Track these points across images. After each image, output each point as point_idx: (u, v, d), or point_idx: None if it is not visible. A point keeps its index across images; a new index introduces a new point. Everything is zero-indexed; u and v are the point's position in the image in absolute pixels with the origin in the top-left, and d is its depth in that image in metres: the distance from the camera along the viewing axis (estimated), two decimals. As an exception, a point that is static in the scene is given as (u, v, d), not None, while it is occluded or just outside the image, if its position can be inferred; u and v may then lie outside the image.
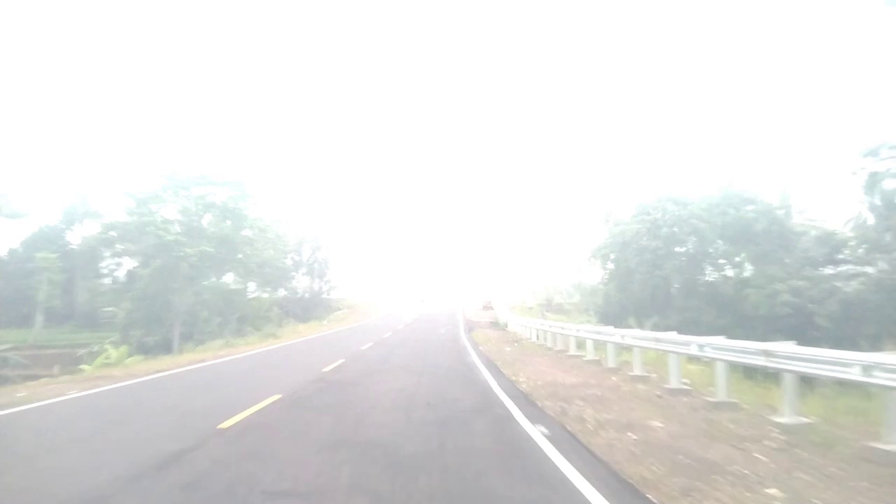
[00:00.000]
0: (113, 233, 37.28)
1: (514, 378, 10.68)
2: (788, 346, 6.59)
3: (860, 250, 22.72)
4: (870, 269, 22.86)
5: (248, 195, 41.45)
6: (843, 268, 23.28)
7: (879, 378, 5.05)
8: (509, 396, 8.57)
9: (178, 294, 34.52)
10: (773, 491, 4.14)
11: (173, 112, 70.26)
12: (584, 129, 72.66)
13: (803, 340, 7.56)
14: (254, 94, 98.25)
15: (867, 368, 5.20)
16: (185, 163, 41.67)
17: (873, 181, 21.65)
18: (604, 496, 3.98)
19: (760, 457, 5.10)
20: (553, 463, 4.89)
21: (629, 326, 20.97)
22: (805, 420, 6.26)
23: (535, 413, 7.27)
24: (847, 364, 5.48)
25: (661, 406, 7.82)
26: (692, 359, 9.41)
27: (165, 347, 30.69)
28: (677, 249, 24.89)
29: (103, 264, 51.64)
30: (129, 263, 47.50)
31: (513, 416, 7.12)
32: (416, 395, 8.81)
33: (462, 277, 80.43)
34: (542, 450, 5.37)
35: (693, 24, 71.09)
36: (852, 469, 4.68)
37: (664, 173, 30.70)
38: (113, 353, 26.39)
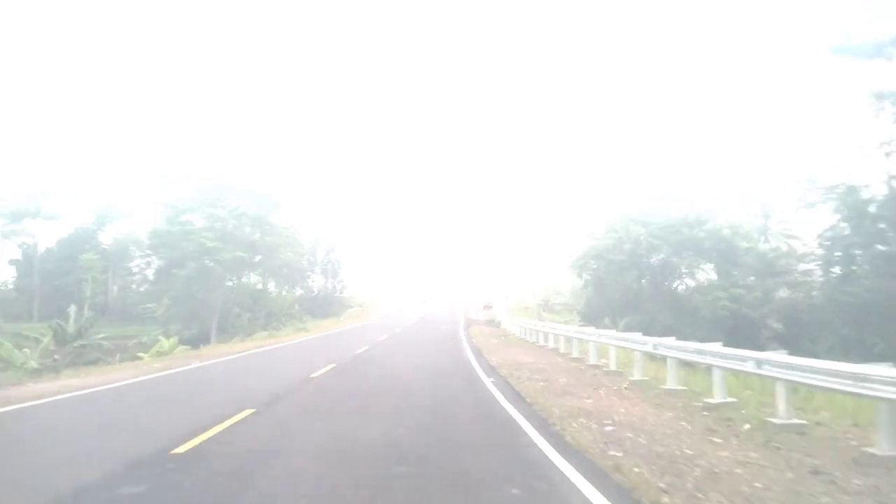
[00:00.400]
0: (154, 239, 42.25)
1: (488, 358, 15.40)
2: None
3: (792, 265, 27.34)
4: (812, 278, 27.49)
5: (275, 204, 46.54)
6: (779, 279, 27.89)
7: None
8: (480, 367, 13.28)
9: (213, 293, 39.40)
10: (566, 381, 8.81)
11: (188, 117, 75.07)
12: (574, 143, 77.78)
13: (737, 339, 11.28)
14: (262, 100, 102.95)
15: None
16: (209, 169, 46.93)
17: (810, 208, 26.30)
18: (510, 402, 8.62)
19: (602, 392, 9.77)
20: (490, 393, 9.57)
21: (605, 325, 25.61)
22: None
23: (493, 374, 11.97)
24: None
25: (580, 375, 12.41)
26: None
27: (203, 340, 35.33)
28: (646, 261, 29.52)
29: (132, 263, 56.67)
30: (154, 263, 52.71)
31: (478, 375, 11.84)
32: (421, 365, 13.57)
33: (465, 278, 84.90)
34: (487, 388, 10.06)
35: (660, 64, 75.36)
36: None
37: (636, 192, 35.24)
38: (165, 343, 31.09)
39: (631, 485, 4.38)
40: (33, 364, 19.44)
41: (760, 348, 10.62)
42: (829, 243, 24.85)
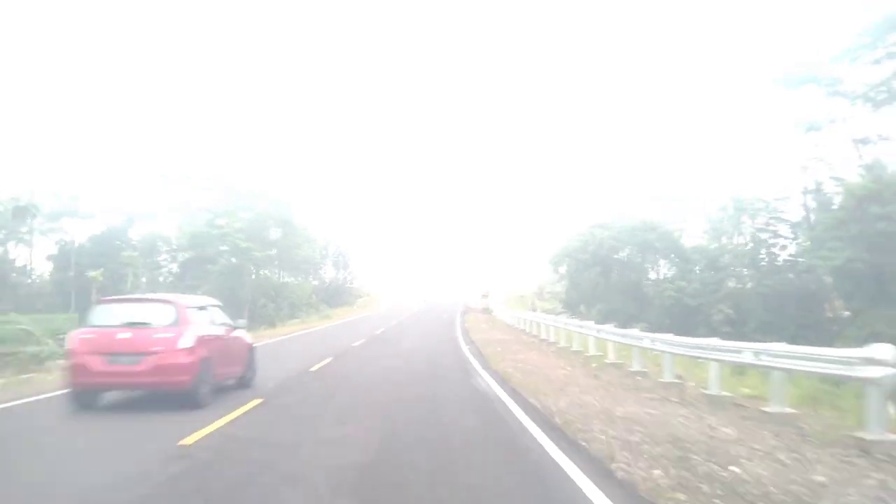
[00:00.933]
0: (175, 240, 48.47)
1: (472, 336, 21.46)
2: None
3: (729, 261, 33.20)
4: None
5: (293, 204, 52.78)
6: (723, 272, 33.71)
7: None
8: (464, 340, 19.36)
9: (243, 286, 45.37)
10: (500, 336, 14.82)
11: (205, 122, 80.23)
12: (559, 153, 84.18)
13: (684, 324, 17.04)
14: (270, 102, 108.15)
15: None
16: (228, 173, 53.08)
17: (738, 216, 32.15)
18: (473, 357, 14.59)
19: (534, 354, 15.78)
20: (464, 354, 15.59)
21: (580, 312, 31.58)
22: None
23: (469, 345, 18.01)
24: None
25: (531, 347, 18.38)
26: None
27: (236, 327, 41.47)
28: (612, 258, 35.35)
29: (160, 258, 62.78)
30: (179, 258, 58.80)
31: (459, 345, 17.90)
32: (424, 340, 19.66)
33: (467, 269, 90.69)
34: (463, 351, 16.12)
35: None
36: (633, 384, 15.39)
37: (603, 201, 41.16)
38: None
39: (513, 383, 10.26)
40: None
41: (709, 333, 16.41)
42: (752, 244, 30.73)
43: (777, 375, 6.77)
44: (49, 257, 62.99)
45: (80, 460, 5.18)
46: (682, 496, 3.74)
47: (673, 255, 33.51)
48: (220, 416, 6.63)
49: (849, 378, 5.80)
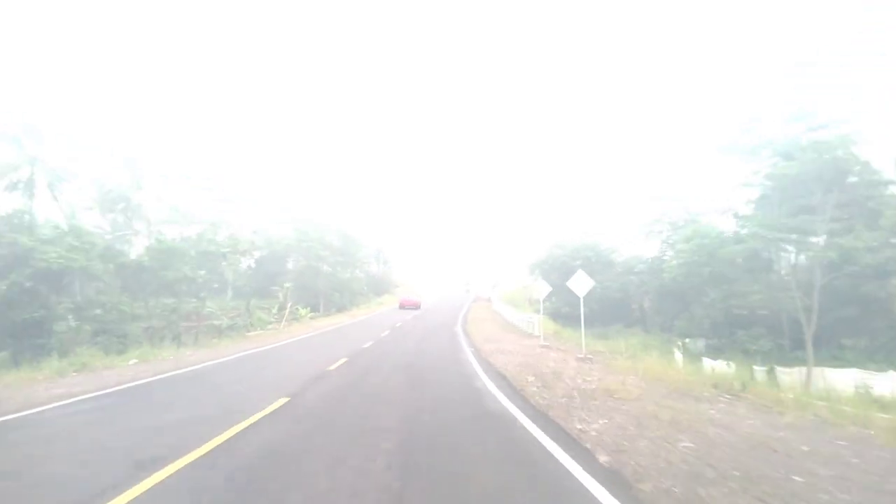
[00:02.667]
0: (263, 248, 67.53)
1: (467, 316, 39.53)
2: (536, 317, 34.44)
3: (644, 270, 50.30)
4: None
5: (349, 217, 71.72)
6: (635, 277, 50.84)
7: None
8: (460, 321, 37.48)
9: (318, 281, 64.14)
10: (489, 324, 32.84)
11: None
12: (543, 172, 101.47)
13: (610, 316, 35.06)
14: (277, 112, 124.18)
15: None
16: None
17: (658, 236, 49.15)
18: (462, 332, 32.61)
19: (512, 336, 33.83)
20: (457, 328, 33.67)
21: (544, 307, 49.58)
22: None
23: (464, 323, 36.13)
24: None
25: (506, 329, 36.36)
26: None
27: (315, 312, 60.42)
28: (570, 265, 52.79)
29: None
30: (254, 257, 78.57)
31: (458, 323, 36.07)
32: (440, 319, 37.88)
33: (483, 262, 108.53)
34: (458, 326, 34.22)
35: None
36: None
37: (564, 223, 58.68)
38: (302, 311, 55.79)
39: (477, 352, 28.24)
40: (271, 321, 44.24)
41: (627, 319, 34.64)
42: (652, 256, 47.91)
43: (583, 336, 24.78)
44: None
45: (288, 369, 20.42)
46: (532, 379, 21.76)
47: (602, 266, 50.78)
48: (370, 342, 24.81)
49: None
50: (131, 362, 16.75)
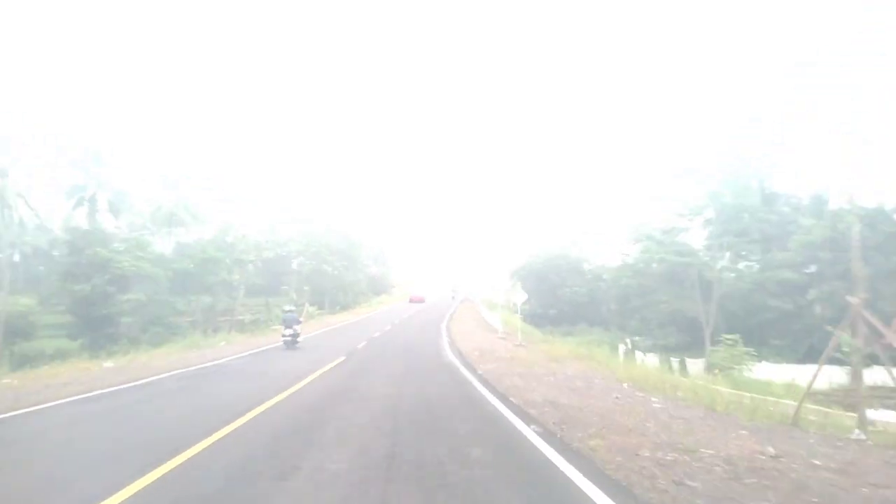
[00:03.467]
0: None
1: (453, 315, 47.33)
2: (496, 315, 42.40)
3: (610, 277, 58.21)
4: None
5: (351, 223, 79.50)
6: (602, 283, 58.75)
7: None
8: (445, 317, 45.33)
9: (324, 281, 71.83)
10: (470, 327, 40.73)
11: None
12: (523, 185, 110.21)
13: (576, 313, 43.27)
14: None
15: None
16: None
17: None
18: (444, 325, 40.38)
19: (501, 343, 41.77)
20: (441, 324, 41.49)
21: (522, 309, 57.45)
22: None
23: (448, 321, 43.97)
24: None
25: (480, 326, 44.24)
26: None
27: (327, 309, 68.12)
28: (543, 275, 60.67)
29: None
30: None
31: (444, 319, 43.93)
32: (434, 316, 45.75)
33: (473, 265, 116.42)
34: (444, 322, 42.07)
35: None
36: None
37: (552, 228, 67.69)
38: (312, 309, 63.51)
39: (451, 342, 36.07)
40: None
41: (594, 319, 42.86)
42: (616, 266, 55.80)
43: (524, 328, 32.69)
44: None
45: (335, 345, 30.62)
46: (477, 353, 29.55)
47: (571, 274, 58.64)
48: (378, 333, 32.61)
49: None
50: (221, 344, 24.51)
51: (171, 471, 5.67)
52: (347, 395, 10.73)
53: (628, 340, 43.37)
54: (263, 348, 22.91)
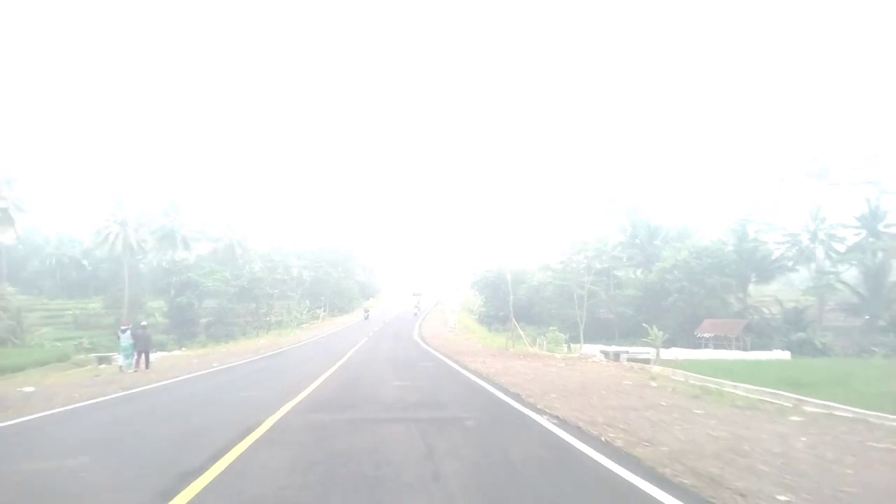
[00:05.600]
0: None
1: (424, 318, 65.97)
2: (453, 317, 61.12)
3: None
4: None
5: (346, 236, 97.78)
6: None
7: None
8: (419, 321, 64.01)
9: (327, 289, 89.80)
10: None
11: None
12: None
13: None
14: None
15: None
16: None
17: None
18: (418, 323, 58.95)
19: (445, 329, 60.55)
20: (414, 324, 60.13)
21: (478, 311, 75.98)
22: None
23: (421, 321, 62.65)
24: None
25: (443, 326, 62.97)
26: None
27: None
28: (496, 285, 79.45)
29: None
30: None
31: (417, 322, 62.62)
32: (410, 320, 64.45)
33: (442, 273, 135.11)
34: (417, 322, 60.74)
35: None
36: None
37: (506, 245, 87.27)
38: (321, 312, 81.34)
39: (420, 333, 54.61)
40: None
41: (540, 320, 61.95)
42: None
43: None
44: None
45: (354, 336, 48.93)
46: (429, 336, 48.25)
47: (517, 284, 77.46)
48: (373, 332, 51.09)
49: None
50: (292, 335, 42.92)
51: (323, 381, 23.66)
52: (375, 353, 29.10)
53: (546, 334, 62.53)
54: (311, 340, 41.11)
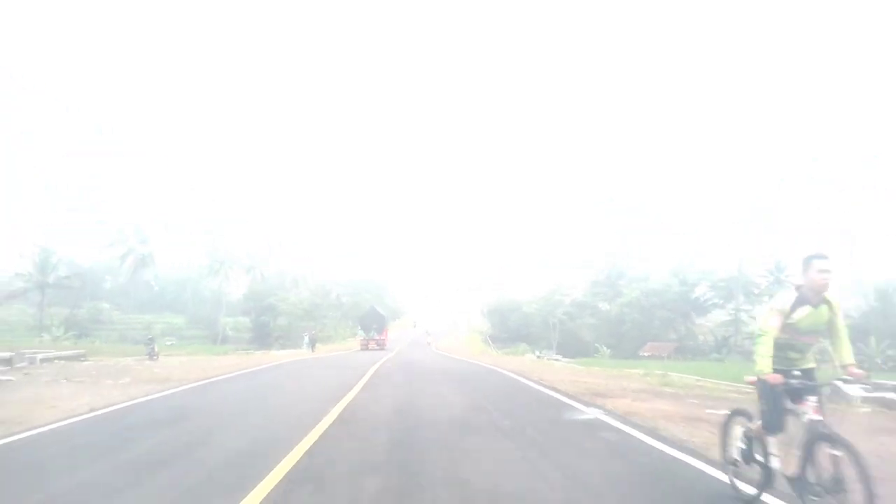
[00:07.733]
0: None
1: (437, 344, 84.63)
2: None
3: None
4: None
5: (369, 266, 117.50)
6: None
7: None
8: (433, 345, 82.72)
9: (359, 312, 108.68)
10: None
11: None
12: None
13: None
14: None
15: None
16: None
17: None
18: (435, 346, 77.56)
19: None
20: (428, 340, 78.80)
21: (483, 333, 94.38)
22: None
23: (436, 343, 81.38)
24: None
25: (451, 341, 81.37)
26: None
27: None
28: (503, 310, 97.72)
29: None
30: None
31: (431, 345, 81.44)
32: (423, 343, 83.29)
33: (454, 301, 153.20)
34: (428, 340, 79.49)
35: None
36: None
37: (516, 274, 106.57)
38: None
39: (435, 348, 73.07)
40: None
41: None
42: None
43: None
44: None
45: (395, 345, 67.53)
46: (443, 350, 66.89)
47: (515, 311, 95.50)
48: (395, 351, 69.87)
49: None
50: (349, 342, 62.11)
51: (375, 372, 41.68)
52: (401, 360, 47.64)
53: (537, 351, 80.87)
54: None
